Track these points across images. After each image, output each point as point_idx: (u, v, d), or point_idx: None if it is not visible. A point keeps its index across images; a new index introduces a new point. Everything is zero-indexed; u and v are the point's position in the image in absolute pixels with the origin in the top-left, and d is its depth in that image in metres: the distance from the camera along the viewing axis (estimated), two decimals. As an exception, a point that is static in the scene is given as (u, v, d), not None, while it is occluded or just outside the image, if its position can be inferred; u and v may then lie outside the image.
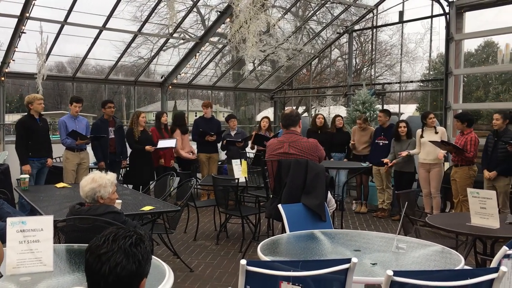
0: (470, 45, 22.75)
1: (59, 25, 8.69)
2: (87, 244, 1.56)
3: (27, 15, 8.00)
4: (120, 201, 3.67)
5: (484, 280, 1.99)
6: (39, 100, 6.54)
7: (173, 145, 7.95)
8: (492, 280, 2.01)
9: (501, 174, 6.06)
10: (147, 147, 7.52)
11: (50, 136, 7.34)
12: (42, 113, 6.72)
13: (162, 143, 7.80)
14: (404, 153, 7.19)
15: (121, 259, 1.47)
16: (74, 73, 10.27)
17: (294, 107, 16.57)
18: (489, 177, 6.12)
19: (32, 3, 7.84)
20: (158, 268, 2.40)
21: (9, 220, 2.47)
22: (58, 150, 7.27)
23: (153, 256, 2.58)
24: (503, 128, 6.11)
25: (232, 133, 8.75)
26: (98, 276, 1.47)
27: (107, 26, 9.08)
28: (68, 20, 8.61)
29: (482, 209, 3.78)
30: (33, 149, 6.47)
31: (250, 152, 8.93)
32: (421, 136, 7.14)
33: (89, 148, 7.20)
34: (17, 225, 2.47)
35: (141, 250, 1.53)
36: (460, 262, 2.63)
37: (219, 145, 8.82)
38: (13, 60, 8.71)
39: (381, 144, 7.81)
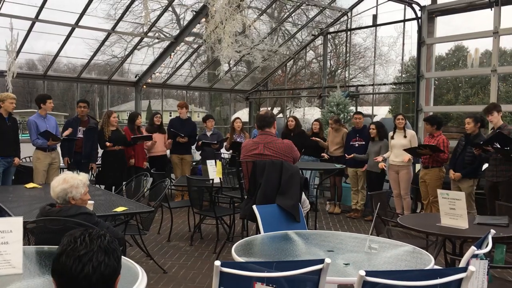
0: (441, 49, 23.30)
1: (30, 22, 8.50)
2: (58, 246, 1.53)
3: (-3, 11, 7.81)
4: (92, 202, 3.61)
5: (453, 280, 2.03)
6: (12, 99, 6.37)
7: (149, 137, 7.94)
8: (461, 280, 2.05)
9: (466, 176, 6.17)
10: (107, 144, 7.38)
11: (20, 135, 7.15)
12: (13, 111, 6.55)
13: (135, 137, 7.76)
14: (379, 158, 7.28)
15: (103, 258, 1.46)
16: (45, 71, 10.06)
17: (269, 108, 16.63)
18: (454, 178, 6.25)
19: (2, -1, 7.65)
20: (131, 270, 2.37)
21: (-24, 221, 2.40)
22: (27, 149, 7.09)
23: (126, 258, 2.56)
24: (475, 132, 6.11)
25: (208, 134, 8.72)
26: (79, 278, 1.43)
27: (80, 23, 8.93)
28: (40, 17, 8.44)
29: (452, 210, 3.87)
30: None
31: (225, 153, 8.91)
32: (392, 138, 7.27)
33: (59, 148, 7.06)
34: (-15, 227, 2.41)
35: (116, 247, 1.54)
36: (430, 262, 2.68)
37: (193, 146, 8.76)
38: (-18, 57, 8.48)
39: (357, 145, 7.85)
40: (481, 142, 5.76)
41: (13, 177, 6.73)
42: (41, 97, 6.92)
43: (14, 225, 2.47)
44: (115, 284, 1.53)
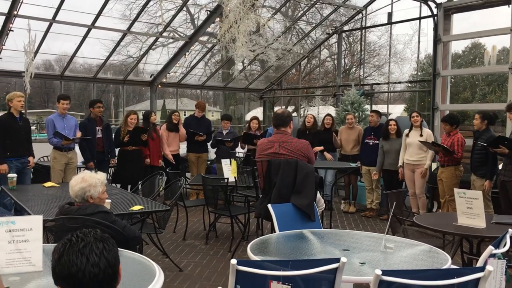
0: (457, 47, 23.04)
1: (47, 23, 8.62)
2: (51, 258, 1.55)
3: (15, 12, 7.93)
4: (110, 200, 3.66)
5: (470, 279, 2.02)
6: (19, 97, 6.29)
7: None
8: (478, 279, 2.04)
9: (481, 177, 6.15)
10: (125, 139, 7.43)
11: (37, 135, 7.23)
12: (28, 111, 6.59)
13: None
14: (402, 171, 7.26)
15: (101, 245, 1.51)
16: (62, 71, 10.19)
17: (283, 107, 16.61)
18: (487, 188, 6.13)
19: (20, 1, 7.77)
20: (147, 268, 2.40)
21: (-3, 220, 2.45)
22: (46, 149, 7.19)
23: (142, 256, 2.59)
24: (482, 128, 6.16)
25: (224, 132, 8.77)
26: (87, 270, 1.46)
27: (96, 24, 9.02)
28: (57, 18, 8.55)
29: (469, 209, 3.83)
30: (11, 149, 6.22)
31: (240, 152, 8.94)
32: (407, 136, 7.22)
33: (77, 148, 7.14)
34: (6, 225, 2.46)
35: (108, 236, 1.59)
36: (447, 262, 2.66)
37: (209, 144, 8.81)
38: (0, 58, 8.62)
39: (371, 143, 7.84)
40: (486, 145, 5.84)
41: (31, 176, 6.82)
42: (58, 96, 7.03)
43: (34, 223, 2.51)
44: (119, 271, 1.57)
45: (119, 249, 1.61)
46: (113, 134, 7.71)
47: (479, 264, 2.55)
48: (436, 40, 9.29)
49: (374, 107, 11.05)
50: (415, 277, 1.98)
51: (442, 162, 6.59)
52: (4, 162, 6.14)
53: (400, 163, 7.24)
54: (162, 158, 8.38)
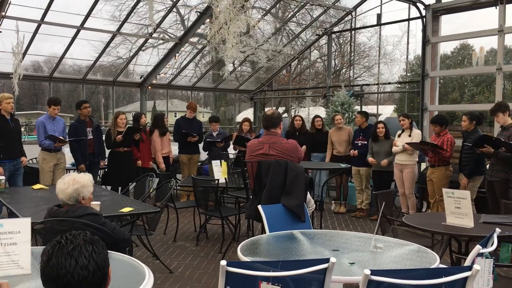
0: (446, 48, 23.24)
1: (35, 24, 8.55)
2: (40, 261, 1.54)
3: (3, 13, 7.86)
4: (99, 202, 3.65)
5: (458, 278, 2.03)
6: (8, 99, 6.21)
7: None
8: (466, 278, 2.06)
9: (467, 176, 6.24)
10: (117, 139, 7.40)
11: (27, 136, 7.18)
12: (17, 112, 6.53)
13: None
14: (384, 162, 7.30)
15: (91, 247, 1.51)
16: (51, 73, 10.12)
17: (274, 108, 16.63)
18: (464, 185, 6.23)
19: (8, 2, 7.71)
20: (137, 270, 2.39)
21: (-15, 222, 2.43)
22: (34, 151, 7.13)
23: (132, 258, 2.58)
24: (470, 129, 6.26)
25: (214, 134, 8.76)
26: (75, 272, 1.45)
27: (85, 25, 8.97)
28: (45, 19, 8.49)
29: (457, 209, 3.86)
30: (4, 151, 6.16)
31: (231, 153, 8.94)
32: (399, 136, 7.29)
33: (67, 150, 7.08)
34: (-6, 227, 2.44)
35: (98, 238, 1.59)
36: (435, 261, 2.68)
37: (200, 145, 8.80)
38: (-12, 59, 8.55)
39: (359, 144, 7.90)
40: (471, 145, 5.92)
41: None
42: (48, 100, 6.96)
43: (22, 226, 2.49)
44: (109, 273, 1.57)
45: (108, 251, 1.60)
46: (104, 135, 7.67)
47: (467, 263, 2.57)
48: (425, 41, 9.36)
49: (364, 108, 11.10)
50: (404, 277, 1.99)
51: (432, 163, 6.64)
52: None
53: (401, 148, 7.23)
54: (153, 160, 8.36)
